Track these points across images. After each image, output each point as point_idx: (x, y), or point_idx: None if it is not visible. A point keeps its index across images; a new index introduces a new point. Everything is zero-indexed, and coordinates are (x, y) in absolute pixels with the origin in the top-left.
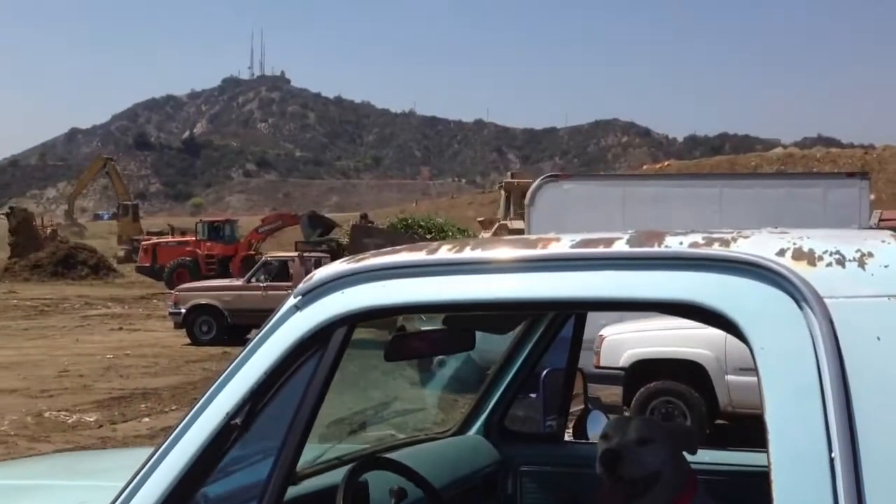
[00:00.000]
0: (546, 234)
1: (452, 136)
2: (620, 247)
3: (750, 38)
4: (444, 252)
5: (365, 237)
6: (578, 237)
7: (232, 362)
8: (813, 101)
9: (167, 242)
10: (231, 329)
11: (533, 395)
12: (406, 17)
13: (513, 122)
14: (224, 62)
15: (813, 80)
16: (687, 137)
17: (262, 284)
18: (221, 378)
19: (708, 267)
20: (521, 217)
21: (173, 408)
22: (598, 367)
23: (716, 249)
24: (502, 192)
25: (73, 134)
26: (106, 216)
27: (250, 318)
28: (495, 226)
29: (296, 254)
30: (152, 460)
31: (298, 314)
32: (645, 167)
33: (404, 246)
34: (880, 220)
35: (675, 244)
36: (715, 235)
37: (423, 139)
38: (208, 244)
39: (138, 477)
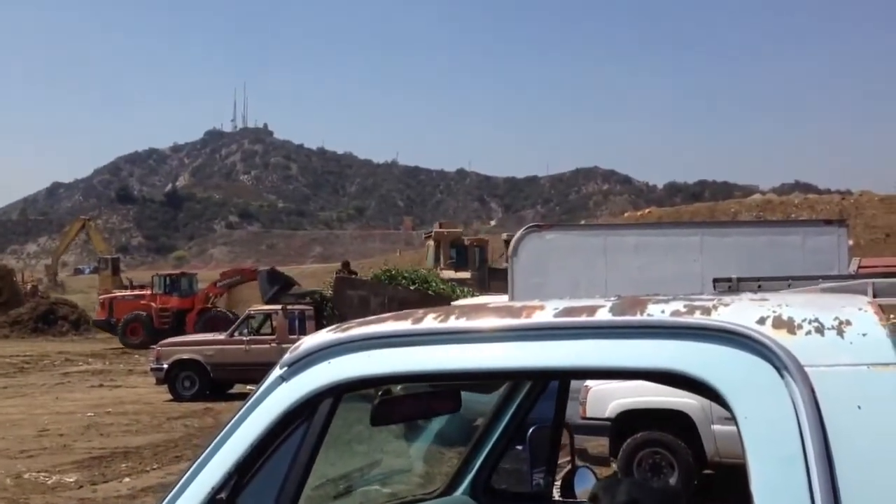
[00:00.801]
0: (530, 302)
1: (435, 186)
2: (603, 315)
3: (727, 86)
4: (430, 321)
5: (349, 289)
6: (562, 305)
7: (217, 434)
8: (790, 148)
9: (123, 296)
10: (214, 384)
11: (519, 447)
12: (388, 68)
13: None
14: (207, 115)
15: (790, 126)
16: (667, 184)
17: (245, 338)
18: (207, 451)
19: (690, 336)
20: (452, 267)
21: (154, 467)
22: (584, 417)
23: (697, 318)
24: (430, 242)
25: (55, 188)
26: (87, 270)
27: (233, 372)
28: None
29: (279, 307)
30: None
31: (284, 385)
32: (626, 214)
33: (389, 315)
34: (859, 267)
35: (657, 312)
36: (696, 303)
37: (405, 189)
38: (164, 297)
39: None
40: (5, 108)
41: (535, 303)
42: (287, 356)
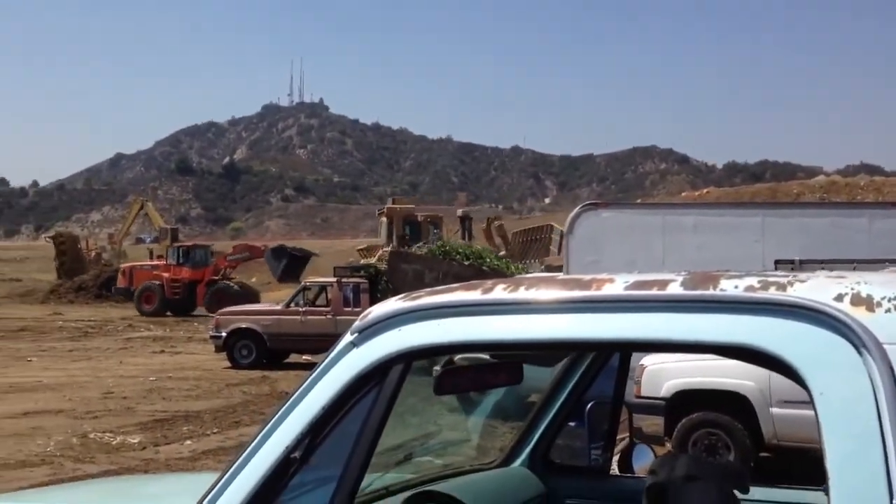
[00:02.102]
0: (599, 274)
1: (489, 163)
2: (675, 289)
3: (793, 64)
4: (499, 291)
5: (403, 263)
6: (632, 278)
7: (290, 396)
8: (856, 128)
9: (142, 266)
10: (270, 353)
11: (572, 424)
12: (443, 44)
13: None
14: (264, 89)
15: (856, 106)
16: (727, 164)
17: (300, 309)
18: (281, 412)
19: (765, 311)
20: (405, 243)
21: (214, 431)
22: (638, 396)
23: (773, 294)
24: (383, 219)
25: (118, 159)
26: (148, 239)
27: (289, 342)
28: (378, 252)
29: (335, 279)
30: (215, 490)
31: (355, 350)
32: (684, 195)
33: (458, 284)
34: None
35: (730, 287)
36: (770, 279)
37: (459, 165)
38: (177, 269)
39: None
40: (71, 81)
41: (605, 275)
42: (358, 323)
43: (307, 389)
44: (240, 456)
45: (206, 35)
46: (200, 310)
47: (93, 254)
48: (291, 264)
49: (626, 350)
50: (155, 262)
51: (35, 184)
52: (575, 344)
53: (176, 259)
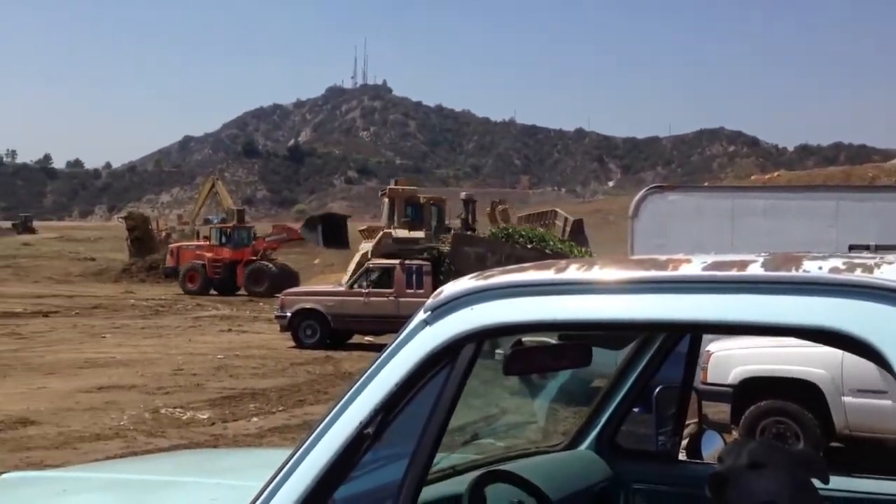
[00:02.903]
0: (675, 255)
1: (553, 145)
2: (756, 270)
3: (868, 44)
4: (573, 271)
5: (466, 246)
6: (710, 258)
7: (364, 373)
8: None
9: (187, 246)
10: (334, 333)
11: (636, 410)
12: (506, 26)
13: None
14: (328, 72)
15: None
16: (798, 147)
17: (363, 290)
18: (354, 388)
19: (851, 293)
20: (406, 226)
21: (280, 408)
22: (704, 383)
23: (860, 276)
24: (385, 200)
25: (187, 141)
26: (215, 220)
27: (352, 323)
28: (379, 234)
29: (398, 261)
30: (289, 464)
31: (428, 329)
32: (753, 178)
33: (531, 264)
34: None
35: (814, 269)
36: (856, 261)
37: (522, 148)
38: (218, 249)
39: (276, 480)
40: (142, 66)
41: (681, 256)
42: (430, 301)
43: (380, 366)
44: (314, 431)
45: (272, 18)
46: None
47: (163, 234)
48: (328, 229)
49: (703, 332)
50: (199, 243)
51: (108, 165)
52: (650, 325)
53: (218, 240)
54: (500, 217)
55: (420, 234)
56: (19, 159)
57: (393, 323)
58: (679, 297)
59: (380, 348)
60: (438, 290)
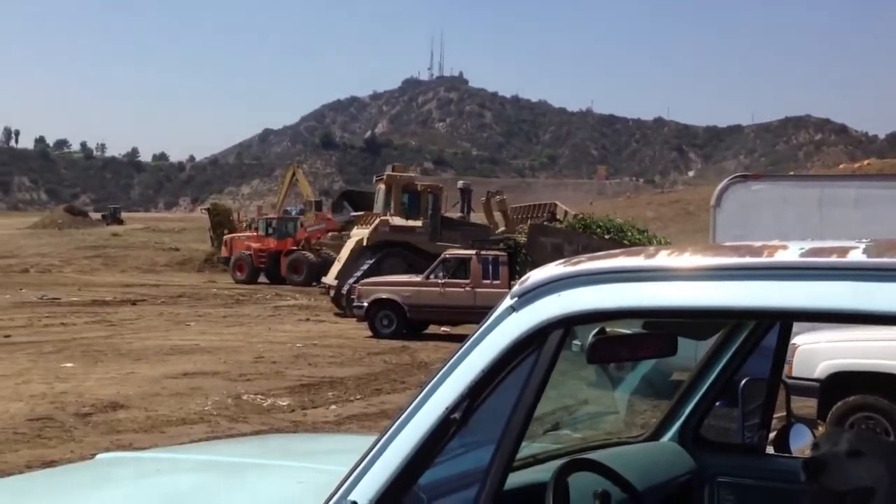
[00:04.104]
0: (770, 241)
1: (630, 135)
2: (857, 256)
3: None
4: (663, 257)
5: (542, 236)
6: (807, 245)
7: (449, 359)
8: None
9: (238, 237)
10: (410, 324)
11: (718, 404)
12: (583, 14)
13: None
14: (405, 64)
15: None
16: (889, 134)
17: (440, 281)
18: (440, 374)
19: None
20: (402, 214)
21: (357, 397)
22: (790, 377)
23: None
24: (381, 186)
25: (266, 134)
26: (294, 211)
27: (428, 313)
28: (375, 221)
29: (474, 252)
30: (376, 448)
31: (514, 315)
32: (841, 166)
33: (619, 251)
34: None
35: None
36: None
37: (599, 138)
38: (263, 239)
39: (363, 464)
40: (224, 61)
41: (777, 242)
42: (516, 287)
43: (466, 352)
44: (400, 415)
45: (350, 12)
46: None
47: (244, 225)
48: (359, 208)
49: (800, 320)
50: (249, 234)
51: (192, 158)
52: (744, 313)
53: (264, 230)
54: (497, 207)
55: (417, 222)
56: (108, 153)
57: (469, 314)
58: (775, 284)
59: (456, 339)
60: (525, 276)
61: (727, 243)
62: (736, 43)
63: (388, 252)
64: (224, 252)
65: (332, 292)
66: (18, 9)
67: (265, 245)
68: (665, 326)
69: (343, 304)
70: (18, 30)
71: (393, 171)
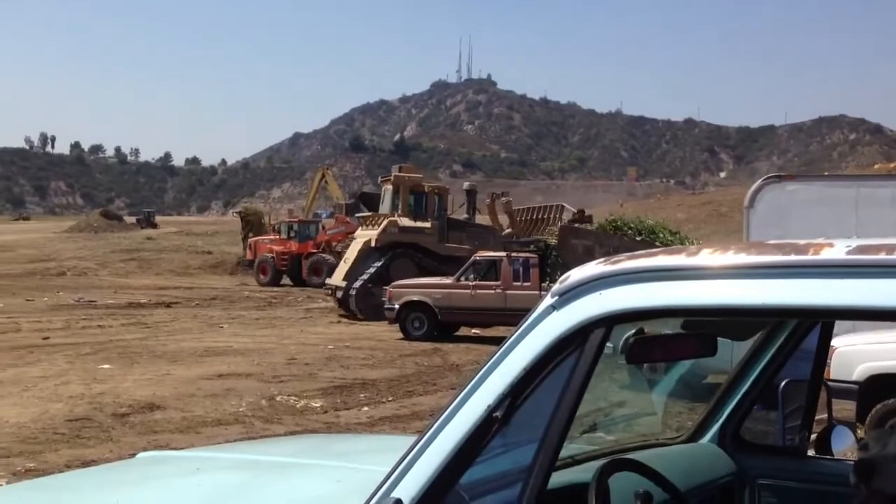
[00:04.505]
0: (815, 239)
1: (661, 136)
2: None
3: None
4: (706, 256)
5: (573, 238)
6: (853, 242)
7: (490, 358)
8: None
9: (261, 240)
10: (441, 326)
11: (757, 406)
12: (612, 15)
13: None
14: (433, 67)
15: None
16: None
17: (470, 283)
18: (481, 373)
19: None
20: (409, 215)
21: (389, 399)
22: (828, 379)
23: None
24: (388, 187)
25: (296, 138)
26: (324, 215)
27: (459, 315)
28: (384, 222)
29: (504, 254)
30: (417, 448)
31: (555, 314)
32: (876, 167)
33: (661, 249)
34: None
35: None
36: None
37: (629, 139)
38: (285, 242)
39: (404, 463)
40: (254, 65)
41: (822, 240)
42: (557, 286)
43: (507, 351)
44: (441, 414)
45: (378, 15)
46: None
47: (274, 228)
48: (374, 209)
49: (849, 318)
50: (271, 237)
51: (223, 162)
52: (789, 311)
53: (286, 233)
54: (503, 209)
55: (426, 224)
56: (142, 158)
57: (500, 315)
58: (821, 282)
59: (487, 341)
60: (565, 275)
61: (771, 241)
62: (769, 42)
63: (396, 253)
64: (248, 255)
65: (338, 294)
66: (54, 17)
67: (287, 248)
68: (704, 327)
69: (351, 306)
70: (54, 38)
71: (400, 171)
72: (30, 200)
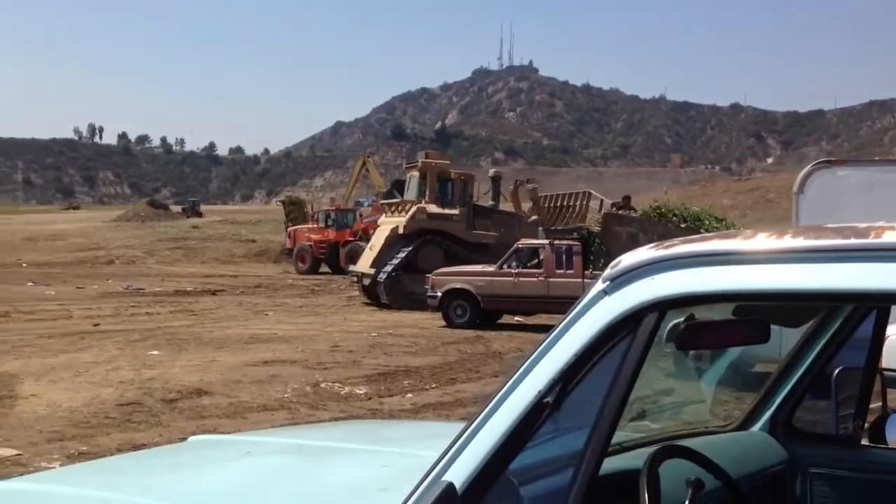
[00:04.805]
0: (875, 223)
1: (706, 122)
2: None
3: None
4: (762, 239)
5: (617, 225)
6: None
7: (540, 344)
8: None
9: (300, 228)
10: (483, 313)
11: (809, 394)
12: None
13: (773, 105)
14: (474, 54)
15: None
16: None
17: (513, 271)
18: (531, 359)
19: None
20: (437, 201)
21: (433, 386)
22: (882, 368)
23: None
24: (415, 173)
25: (338, 127)
26: (366, 203)
27: (502, 303)
28: (412, 209)
29: (547, 241)
30: (466, 433)
31: (607, 299)
32: None
33: (714, 233)
34: None
35: None
36: None
37: (673, 125)
38: (323, 230)
39: (453, 449)
40: (296, 55)
41: (883, 224)
42: (608, 271)
43: (557, 337)
44: (491, 400)
45: (419, 3)
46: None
47: (314, 217)
48: (398, 190)
49: None
50: (310, 226)
51: (266, 152)
52: (847, 296)
53: (324, 222)
54: (529, 196)
55: (455, 211)
56: (187, 147)
57: (542, 303)
58: (883, 266)
59: (530, 329)
60: (616, 260)
61: (830, 225)
62: (818, 25)
63: (425, 240)
64: (288, 243)
65: (365, 281)
66: (102, 11)
67: (325, 236)
68: (756, 313)
69: (378, 294)
70: (102, 31)
71: (426, 158)
72: (79, 190)
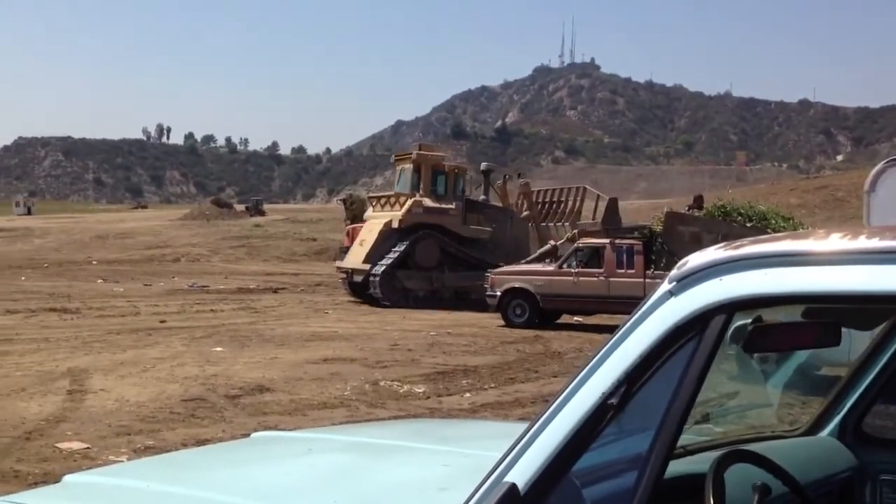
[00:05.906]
0: None
1: (773, 118)
2: None
3: None
4: (836, 240)
5: (679, 224)
6: None
7: (604, 345)
8: None
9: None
10: (543, 313)
11: (881, 399)
12: None
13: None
14: (535, 52)
15: None
16: None
17: (573, 270)
18: (595, 360)
19: None
20: (432, 194)
21: (491, 385)
22: None
23: None
24: (408, 166)
25: (399, 125)
26: None
27: (561, 302)
28: (408, 202)
29: (608, 240)
30: (530, 433)
31: (673, 300)
32: None
33: (785, 233)
34: None
35: None
36: None
37: (739, 122)
38: None
39: (516, 449)
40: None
41: None
42: (675, 272)
43: (622, 338)
44: (555, 400)
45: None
46: None
47: None
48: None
49: None
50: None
51: (328, 151)
52: None
53: None
54: (520, 190)
55: (451, 205)
56: (250, 147)
57: (603, 303)
58: None
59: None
60: (683, 260)
61: None
62: (890, 18)
63: (421, 235)
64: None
65: (356, 277)
66: (167, 15)
67: None
68: (827, 315)
69: (372, 291)
70: (169, 34)
71: (420, 149)
72: (147, 189)
